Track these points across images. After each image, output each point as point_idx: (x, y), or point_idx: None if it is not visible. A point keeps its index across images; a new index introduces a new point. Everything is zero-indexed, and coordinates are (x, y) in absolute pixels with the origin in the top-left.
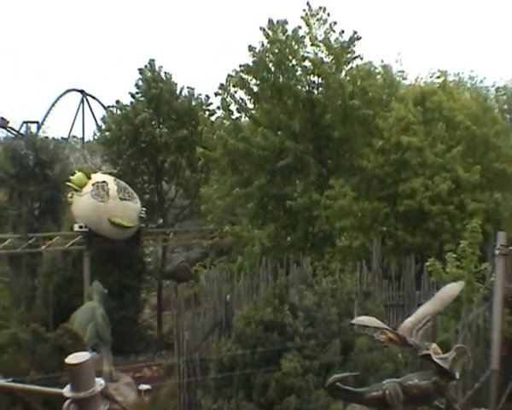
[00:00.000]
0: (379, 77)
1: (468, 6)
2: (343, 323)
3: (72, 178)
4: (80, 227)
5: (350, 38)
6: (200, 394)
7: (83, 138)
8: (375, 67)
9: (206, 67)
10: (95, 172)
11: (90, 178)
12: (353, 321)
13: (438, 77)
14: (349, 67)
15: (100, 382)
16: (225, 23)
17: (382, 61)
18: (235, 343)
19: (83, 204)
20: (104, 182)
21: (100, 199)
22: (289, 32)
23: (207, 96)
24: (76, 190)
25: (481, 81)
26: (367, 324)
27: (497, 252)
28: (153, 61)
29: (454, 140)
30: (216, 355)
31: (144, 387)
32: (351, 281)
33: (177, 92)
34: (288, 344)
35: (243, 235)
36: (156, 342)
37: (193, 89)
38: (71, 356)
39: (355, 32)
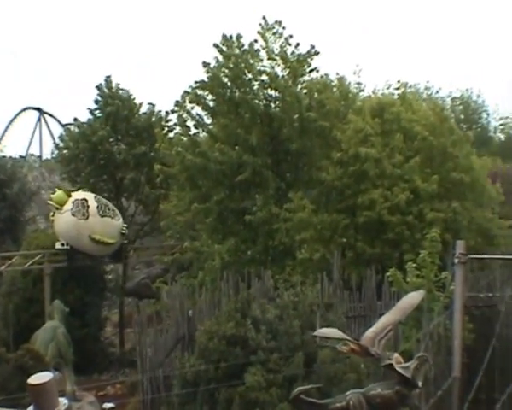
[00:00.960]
0: (335, 89)
1: (422, 16)
2: (305, 335)
3: (52, 196)
4: (62, 245)
5: (308, 52)
6: None
7: (40, 157)
8: (332, 80)
9: (164, 84)
10: (72, 191)
11: (70, 195)
12: (316, 333)
13: (397, 88)
14: (305, 79)
15: (63, 402)
16: (181, 39)
17: (338, 74)
18: (199, 359)
19: (63, 222)
20: (84, 199)
21: (80, 216)
22: (245, 47)
23: (167, 113)
24: (57, 208)
25: (437, 92)
26: (329, 335)
27: (456, 260)
28: (109, 77)
29: (412, 151)
30: (179, 371)
31: (108, 405)
32: (312, 293)
33: (136, 109)
34: (251, 358)
35: (203, 250)
36: (119, 360)
37: (153, 105)
38: (33, 377)
39: (313, 47)
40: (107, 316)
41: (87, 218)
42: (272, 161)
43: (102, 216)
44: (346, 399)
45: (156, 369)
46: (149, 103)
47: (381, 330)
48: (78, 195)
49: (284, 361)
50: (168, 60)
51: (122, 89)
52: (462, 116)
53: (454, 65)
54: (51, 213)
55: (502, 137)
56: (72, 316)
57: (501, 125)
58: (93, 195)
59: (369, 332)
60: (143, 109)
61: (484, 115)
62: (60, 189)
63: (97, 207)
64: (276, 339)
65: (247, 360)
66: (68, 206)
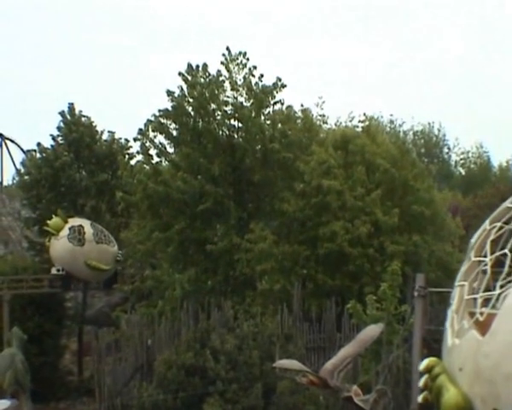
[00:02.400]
0: (299, 121)
1: (386, 51)
2: (265, 366)
3: (49, 222)
4: (58, 270)
5: (274, 84)
6: None
7: (1, 183)
8: (295, 111)
9: (125, 111)
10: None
11: (66, 221)
12: (275, 364)
13: (361, 121)
14: (269, 111)
15: None
16: (144, 67)
17: (302, 105)
18: (157, 388)
19: (60, 247)
20: (80, 226)
21: (76, 242)
22: (210, 76)
23: (127, 140)
24: (53, 234)
25: (400, 125)
26: (288, 367)
27: (416, 294)
28: (72, 104)
29: (374, 183)
30: (137, 400)
31: None
32: (272, 324)
33: (98, 136)
34: (209, 388)
35: (164, 279)
36: (77, 388)
37: (113, 132)
38: None
39: (279, 79)
40: (66, 344)
41: (83, 244)
42: (234, 191)
43: (98, 243)
44: None
45: (114, 398)
46: (109, 131)
47: (340, 363)
48: (75, 221)
49: (243, 392)
50: (130, 88)
51: (84, 116)
52: (423, 150)
53: (416, 99)
54: (47, 239)
55: (462, 171)
56: (30, 343)
57: (461, 159)
58: (89, 221)
59: (329, 364)
60: (104, 137)
61: (445, 149)
62: (57, 215)
63: (93, 233)
64: (235, 369)
65: (205, 390)
66: (65, 232)
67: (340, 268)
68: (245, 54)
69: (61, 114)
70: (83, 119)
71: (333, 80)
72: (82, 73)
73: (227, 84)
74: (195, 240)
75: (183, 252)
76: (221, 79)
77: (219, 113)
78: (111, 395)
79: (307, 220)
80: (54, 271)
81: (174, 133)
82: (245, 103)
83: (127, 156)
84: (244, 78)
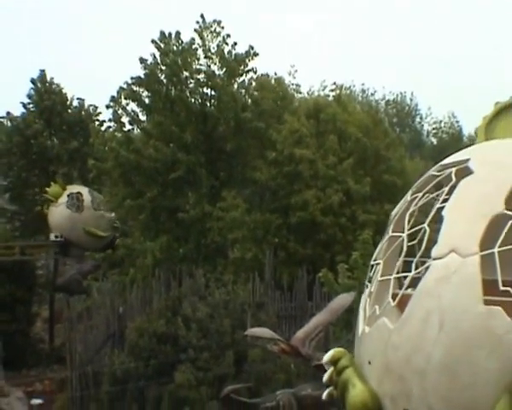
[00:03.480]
0: (272, 89)
1: (358, 20)
2: (236, 334)
3: (47, 189)
4: (56, 237)
5: (246, 53)
6: (94, 407)
7: None
8: (269, 80)
9: (98, 79)
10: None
11: (65, 189)
12: (246, 332)
13: (332, 90)
14: (242, 79)
15: None
16: (116, 34)
17: (276, 74)
18: (129, 356)
19: (58, 215)
20: (79, 193)
21: (74, 209)
22: (183, 44)
23: (95, 107)
24: (52, 201)
25: (372, 94)
26: (260, 335)
27: None
28: (43, 71)
29: (345, 152)
30: (109, 368)
31: (36, 401)
32: (243, 292)
33: (69, 103)
34: (181, 356)
35: (135, 247)
36: (48, 356)
37: (83, 100)
38: None
39: (251, 47)
40: (38, 312)
41: (81, 211)
42: (206, 160)
43: (96, 209)
44: (275, 399)
45: (86, 366)
46: (79, 98)
47: (311, 331)
48: (73, 188)
49: (214, 360)
50: (102, 55)
51: (56, 83)
52: (395, 119)
53: (389, 68)
54: (45, 206)
55: (434, 141)
56: (1, 311)
57: (434, 128)
58: (87, 189)
59: (300, 333)
60: (74, 104)
61: (417, 119)
62: (55, 182)
63: (91, 200)
64: (206, 337)
65: (177, 358)
66: (63, 199)
67: (311, 237)
68: (219, 22)
69: (32, 81)
70: (54, 86)
71: (306, 49)
72: (53, 41)
73: (200, 52)
74: (167, 208)
75: (155, 220)
76: (194, 46)
77: (192, 81)
78: (82, 363)
79: (279, 189)
80: (52, 237)
81: (146, 101)
82: (218, 72)
83: (97, 123)
84: (218, 46)
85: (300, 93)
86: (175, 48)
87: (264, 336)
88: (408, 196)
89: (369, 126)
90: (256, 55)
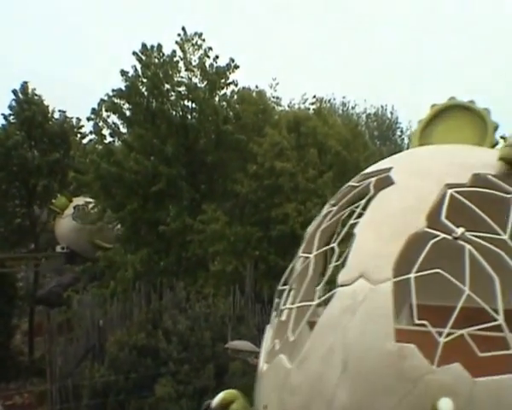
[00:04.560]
0: (253, 102)
1: (339, 33)
2: (217, 347)
3: (54, 201)
4: (62, 248)
5: (227, 65)
6: None
7: None
8: (250, 93)
9: (79, 91)
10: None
11: (71, 201)
12: (227, 345)
13: (313, 103)
14: (223, 92)
15: None
16: (98, 46)
17: (257, 87)
18: (109, 369)
19: (64, 226)
20: (85, 204)
21: (80, 221)
22: (164, 57)
23: (79, 119)
24: (58, 213)
25: (353, 108)
26: (241, 348)
27: None
28: (26, 83)
29: (326, 165)
30: (89, 381)
31: None
32: (224, 305)
33: (50, 115)
34: (161, 369)
35: (116, 259)
36: (28, 369)
37: (64, 112)
38: None
39: (232, 60)
40: (17, 324)
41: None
42: (187, 173)
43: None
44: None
45: (65, 378)
46: (60, 110)
47: None
48: (79, 200)
49: (195, 373)
50: (84, 67)
51: (37, 94)
52: (376, 132)
53: (370, 82)
54: (52, 218)
55: None
56: None
57: None
58: (93, 201)
59: None
60: (56, 116)
61: (398, 132)
62: (62, 194)
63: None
64: (187, 350)
65: (157, 371)
66: (69, 211)
67: (292, 250)
68: (200, 34)
69: (14, 92)
70: (35, 97)
71: (287, 62)
72: (36, 53)
73: (181, 65)
74: (148, 221)
75: (136, 232)
76: (175, 59)
77: (173, 93)
78: (62, 376)
79: (260, 202)
80: (58, 249)
81: (127, 113)
82: (199, 84)
83: (79, 136)
84: (199, 58)
85: (281, 106)
86: (156, 60)
87: (244, 349)
88: (324, 210)
89: (349, 139)
90: (237, 67)
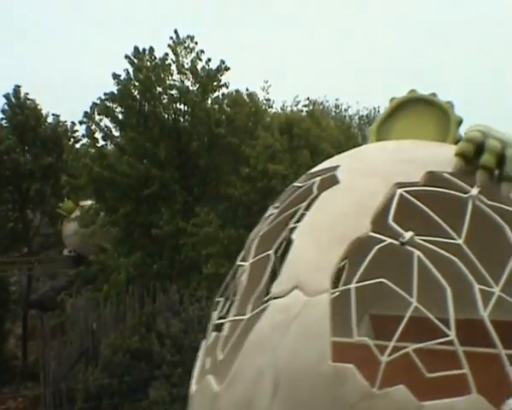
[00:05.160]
0: (245, 105)
1: (332, 35)
2: None
3: (61, 205)
4: (69, 252)
5: (217, 68)
6: None
7: None
8: (242, 95)
9: (72, 95)
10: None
11: (78, 204)
12: None
13: (305, 105)
14: (215, 95)
15: None
16: (90, 50)
17: (247, 90)
18: (102, 372)
19: (71, 230)
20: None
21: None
22: (156, 60)
23: (73, 123)
24: (65, 217)
25: (346, 110)
26: None
27: None
28: (18, 87)
29: None
30: (83, 384)
31: None
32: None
33: (43, 119)
34: (155, 372)
35: (109, 263)
36: (21, 373)
37: (58, 115)
38: None
39: (223, 62)
40: (11, 328)
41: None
42: (180, 176)
43: None
44: None
45: (59, 382)
46: (54, 114)
47: None
48: (86, 203)
49: (189, 376)
50: (76, 71)
51: (30, 99)
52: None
53: (362, 83)
54: (60, 222)
55: None
56: None
57: None
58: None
59: None
60: (49, 120)
61: None
62: (69, 198)
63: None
64: (180, 353)
65: (151, 375)
66: (76, 214)
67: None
68: (192, 38)
69: (6, 96)
70: (28, 102)
71: (279, 64)
72: (29, 57)
73: (174, 68)
74: (141, 224)
75: (129, 236)
76: (167, 62)
77: (165, 96)
78: (56, 380)
79: (253, 205)
80: (65, 252)
81: (120, 117)
82: (191, 87)
83: (72, 140)
84: (191, 61)
85: (272, 107)
86: (148, 63)
87: None
88: (266, 214)
89: (342, 141)
90: (227, 69)
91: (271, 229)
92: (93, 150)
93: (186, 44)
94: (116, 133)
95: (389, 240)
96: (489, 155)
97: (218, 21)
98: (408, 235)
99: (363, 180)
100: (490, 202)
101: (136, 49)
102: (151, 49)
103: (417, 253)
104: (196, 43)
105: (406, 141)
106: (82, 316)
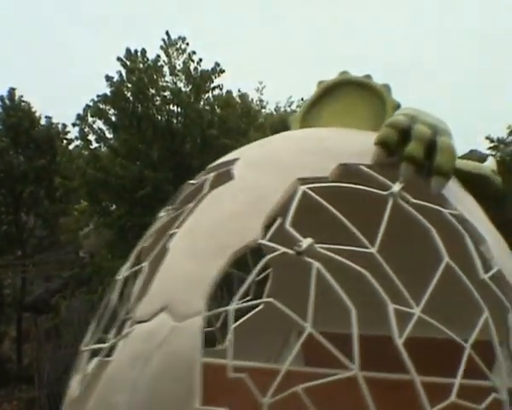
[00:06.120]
0: (237, 106)
1: (324, 36)
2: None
3: (76, 207)
4: (84, 253)
5: (212, 69)
6: None
7: None
8: (234, 97)
9: (64, 97)
10: None
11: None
12: None
13: (299, 106)
14: (208, 96)
15: None
16: (83, 52)
17: (239, 91)
18: None
19: (85, 232)
20: None
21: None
22: (149, 62)
23: (65, 125)
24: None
25: None
26: None
27: None
28: (13, 89)
29: None
30: None
31: None
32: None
33: (36, 121)
34: None
35: (103, 265)
36: (16, 376)
37: (51, 118)
38: None
39: (218, 64)
40: (5, 331)
41: None
42: (174, 177)
43: None
44: None
45: (54, 385)
46: (47, 116)
47: None
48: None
49: None
50: (68, 73)
51: (24, 101)
52: None
53: None
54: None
55: None
56: None
57: None
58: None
59: None
60: (42, 122)
61: None
62: (85, 200)
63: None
64: None
65: None
66: None
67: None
68: (184, 39)
69: (1, 99)
70: (22, 104)
71: (273, 65)
72: (23, 60)
73: (166, 70)
74: (135, 225)
75: (123, 237)
76: (160, 64)
77: (158, 98)
78: (51, 382)
79: None
80: (81, 254)
81: (113, 119)
82: (184, 89)
83: (65, 142)
84: (184, 63)
85: (265, 108)
86: (141, 65)
87: None
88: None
89: None
90: (222, 71)
91: (154, 235)
92: (86, 152)
93: (178, 46)
94: (109, 135)
95: (283, 249)
96: (416, 144)
97: (211, 21)
98: (306, 243)
99: (261, 176)
100: (415, 201)
101: (128, 50)
102: (143, 51)
103: (317, 265)
104: (188, 44)
105: (323, 129)
106: (76, 318)
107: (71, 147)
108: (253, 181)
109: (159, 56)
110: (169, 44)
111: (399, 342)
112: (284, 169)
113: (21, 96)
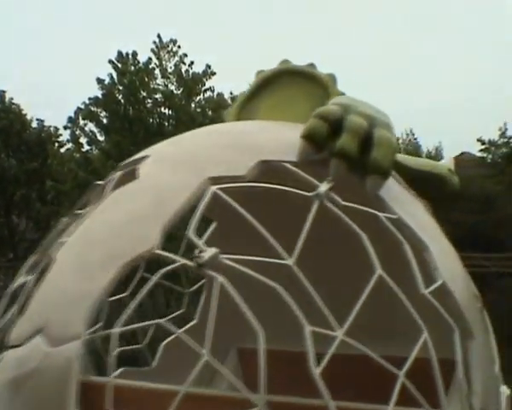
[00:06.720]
0: (226, 107)
1: (318, 38)
2: None
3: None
4: None
5: (203, 72)
6: None
7: None
8: (224, 99)
9: (55, 100)
10: None
11: None
12: None
13: None
14: (199, 98)
15: None
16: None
17: (231, 93)
18: None
19: None
20: None
21: None
22: (140, 65)
23: (56, 128)
24: None
25: None
26: None
27: None
28: (3, 92)
29: None
30: None
31: None
32: None
33: (28, 124)
34: None
35: None
36: None
37: (42, 121)
38: None
39: (209, 67)
40: None
41: None
42: None
43: None
44: None
45: None
46: (38, 119)
47: None
48: None
49: None
50: (61, 75)
51: (15, 104)
52: None
53: (349, 85)
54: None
55: None
56: None
57: None
58: None
59: None
60: (34, 125)
61: None
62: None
63: None
64: None
65: None
66: None
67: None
68: (175, 41)
69: None
70: (13, 106)
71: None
72: (11, 62)
73: (157, 72)
74: None
75: None
76: (151, 66)
77: (150, 100)
78: None
79: None
80: None
81: (104, 121)
82: (175, 91)
83: (57, 145)
84: (175, 65)
85: None
86: (132, 68)
87: None
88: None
89: None
90: (213, 74)
91: (49, 243)
92: (78, 155)
93: (169, 48)
94: (101, 138)
95: (182, 260)
96: (348, 137)
97: (201, 22)
98: (209, 253)
99: (169, 174)
100: (346, 204)
101: (119, 53)
102: (134, 54)
103: (221, 279)
104: (179, 46)
105: (249, 122)
106: None
107: (62, 150)
108: (159, 181)
109: (150, 59)
110: (160, 47)
111: (316, 371)
112: (195, 167)
113: (11, 99)
